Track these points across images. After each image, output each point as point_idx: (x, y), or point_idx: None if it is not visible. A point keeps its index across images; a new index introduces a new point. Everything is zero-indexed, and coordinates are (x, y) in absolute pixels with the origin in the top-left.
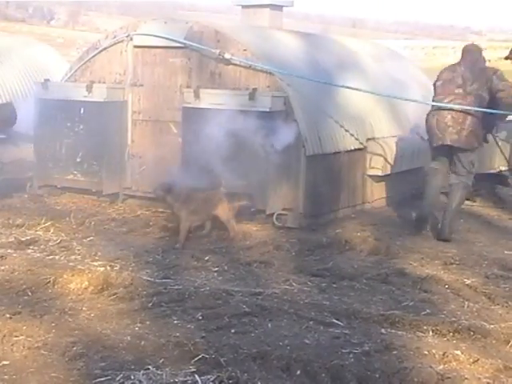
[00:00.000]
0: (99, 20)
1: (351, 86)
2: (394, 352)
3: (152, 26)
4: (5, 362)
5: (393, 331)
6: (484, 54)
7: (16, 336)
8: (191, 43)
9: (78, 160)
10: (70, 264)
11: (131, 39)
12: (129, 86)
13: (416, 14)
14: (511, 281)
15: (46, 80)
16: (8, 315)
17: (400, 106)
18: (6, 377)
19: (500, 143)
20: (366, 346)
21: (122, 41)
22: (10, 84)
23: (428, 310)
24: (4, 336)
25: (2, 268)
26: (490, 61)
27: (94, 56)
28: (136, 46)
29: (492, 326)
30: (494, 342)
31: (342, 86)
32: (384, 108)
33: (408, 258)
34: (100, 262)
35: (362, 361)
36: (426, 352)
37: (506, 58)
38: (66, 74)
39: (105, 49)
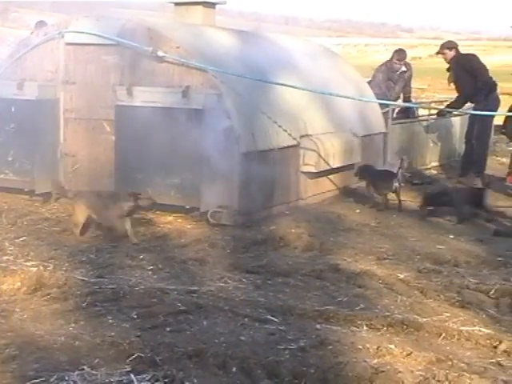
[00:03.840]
0: (30, 17)
1: (285, 83)
2: (329, 347)
3: (84, 24)
4: None
5: (328, 326)
6: (415, 51)
7: None
8: (124, 41)
9: (10, 159)
10: (2, 264)
11: (63, 36)
12: (61, 83)
13: (348, 12)
14: (443, 275)
15: None
16: None
17: (333, 103)
18: None
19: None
20: (301, 341)
21: (53, 38)
22: None
23: (362, 305)
24: None
25: None
26: (420, 58)
27: (25, 53)
28: (68, 44)
29: (424, 320)
30: (426, 335)
31: (276, 83)
32: (317, 105)
33: (342, 254)
34: (33, 262)
35: (298, 356)
36: (361, 346)
37: (437, 53)
38: None
39: (36, 46)
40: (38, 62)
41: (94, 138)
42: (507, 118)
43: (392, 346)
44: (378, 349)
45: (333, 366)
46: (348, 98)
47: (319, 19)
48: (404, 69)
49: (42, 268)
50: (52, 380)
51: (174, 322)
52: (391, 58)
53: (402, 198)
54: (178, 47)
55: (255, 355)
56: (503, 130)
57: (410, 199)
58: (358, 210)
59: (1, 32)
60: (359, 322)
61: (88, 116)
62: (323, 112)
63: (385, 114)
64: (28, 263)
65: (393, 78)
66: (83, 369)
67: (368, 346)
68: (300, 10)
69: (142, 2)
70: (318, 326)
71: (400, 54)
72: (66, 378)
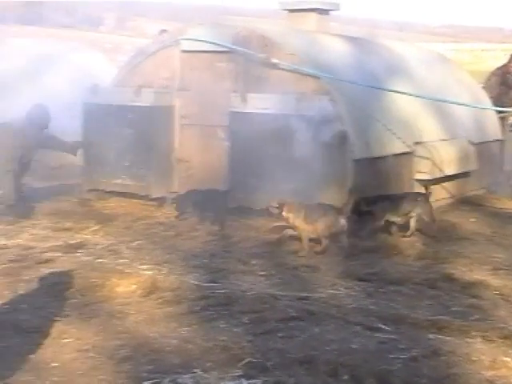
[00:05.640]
0: (147, 25)
1: (398, 89)
2: (442, 358)
3: (199, 31)
4: (54, 364)
5: (440, 337)
6: None
7: (65, 338)
8: (238, 48)
9: (126, 164)
10: (118, 267)
11: (178, 44)
12: (176, 90)
13: (463, 17)
14: None
15: (95, 85)
16: (57, 318)
17: (448, 110)
18: (55, 379)
19: None
20: (413, 351)
21: (169, 46)
22: (59, 90)
23: (476, 316)
24: (54, 338)
25: (52, 271)
26: None
27: (141, 61)
28: (183, 51)
29: None
30: None
31: (389, 90)
32: (432, 112)
33: (456, 263)
34: (147, 266)
35: (410, 366)
36: (475, 358)
37: None
38: (114, 78)
39: (152, 54)
40: (154, 69)
41: (207, 144)
42: None
43: (508, 359)
44: (493, 361)
45: (446, 376)
46: (462, 104)
47: (433, 25)
48: None
49: (156, 271)
50: (165, 382)
51: (285, 328)
52: (508, 62)
53: None
54: (291, 54)
55: (366, 363)
56: None
57: None
58: (472, 219)
59: (119, 40)
60: (473, 333)
61: (202, 122)
62: (438, 119)
63: (501, 121)
64: (143, 266)
65: (507, 82)
66: (195, 372)
67: (483, 357)
68: (414, 16)
69: (255, 9)
70: (430, 336)
71: None
72: (179, 381)
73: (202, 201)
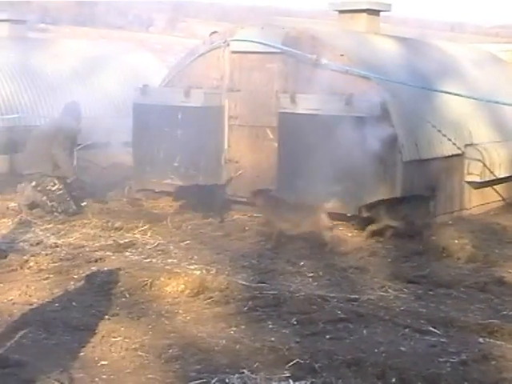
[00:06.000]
0: (197, 26)
1: (449, 90)
2: (493, 362)
3: (249, 32)
4: (103, 362)
5: (491, 341)
6: None
7: (114, 337)
8: (289, 49)
9: (176, 164)
10: (167, 267)
11: (228, 45)
12: (226, 91)
13: None
14: None
15: (145, 85)
16: (107, 316)
17: (501, 112)
18: (104, 376)
19: None
20: (463, 355)
21: (219, 47)
22: (110, 90)
23: None
24: (103, 337)
25: (101, 270)
26: None
27: (191, 62)
28: (233, 52)
29: None
30: None
31: (440, 91)
32: (484, 113)
33: (507, 267)
34: (196, 266)
35: (459, 370)
36: None
37: None
38: (164, 79)
39: (202, 54)
40: (204, 70)
41: (257, 145)
42: None
43: None
44: None
45: (496, 382)
46: None
47: (486, 25)
48: None
49: (204, 272)
50: (213, 382)
51: (333, 329)
52: None
53: None
54: (341, 55)
55: (415, 366)
56: None
57: None
58: None
59: (169, 41)
60: None
61: (252, 123)
62: (489, 120)
63: None
64: (191, 266)
65: None
66: (243, 372)
67: None
68: (466, 16)
69: (306, 10)
70: (480, 340)
71: None
72: (227, 381)
73: (198, 193)
